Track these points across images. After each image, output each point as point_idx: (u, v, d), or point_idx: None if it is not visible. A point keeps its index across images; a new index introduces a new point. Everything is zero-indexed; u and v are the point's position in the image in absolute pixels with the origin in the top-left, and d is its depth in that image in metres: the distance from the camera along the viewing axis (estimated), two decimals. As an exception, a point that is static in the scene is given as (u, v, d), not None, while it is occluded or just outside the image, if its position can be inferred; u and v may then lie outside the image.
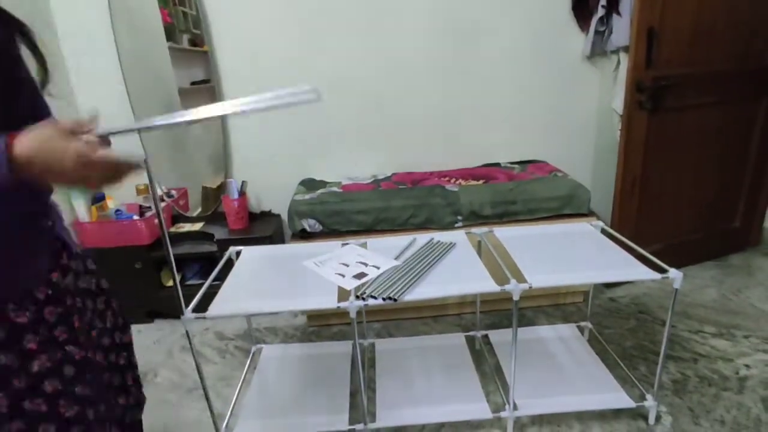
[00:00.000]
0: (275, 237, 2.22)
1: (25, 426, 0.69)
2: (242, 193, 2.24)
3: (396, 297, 1.25)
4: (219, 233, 2.18)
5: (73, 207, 2.07)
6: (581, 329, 1.88)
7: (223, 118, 2.29)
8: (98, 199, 2.12)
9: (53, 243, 0.79)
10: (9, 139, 0.59)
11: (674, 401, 1.54)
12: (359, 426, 1.44)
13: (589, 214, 2.02)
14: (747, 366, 1.69)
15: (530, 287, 1.28)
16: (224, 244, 1.99)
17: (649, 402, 1.44)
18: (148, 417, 1.63)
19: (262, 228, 2.23)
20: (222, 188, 2.33)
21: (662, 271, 1.31)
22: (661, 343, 1.83)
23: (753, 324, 1.92)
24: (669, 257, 1.36)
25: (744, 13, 2.01)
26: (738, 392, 1.57)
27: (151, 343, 2.08)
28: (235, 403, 1.63)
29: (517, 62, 2.30)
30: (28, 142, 0.60)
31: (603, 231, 1.61)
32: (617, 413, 1.50)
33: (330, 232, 1.99)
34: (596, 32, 2.16)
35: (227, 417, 1.56)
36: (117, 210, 2.12)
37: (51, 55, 1.92)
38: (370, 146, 2.40)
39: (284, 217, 2.37)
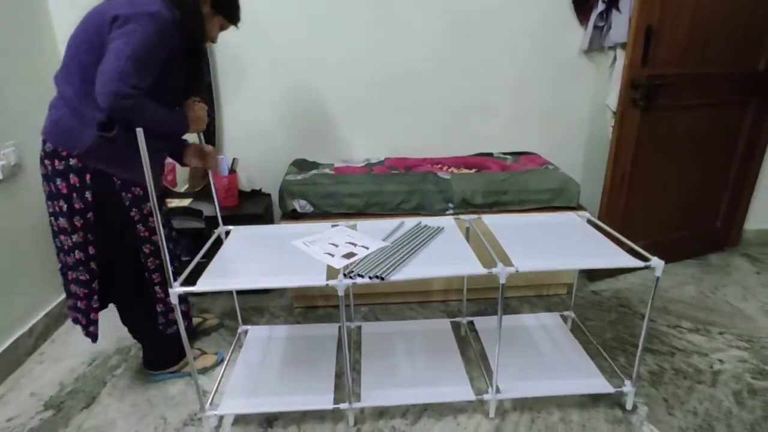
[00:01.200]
0: (265, 216, 2.20)
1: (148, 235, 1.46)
2: (233, 171, 2.22)
3: (383, 276, 1.25)
4: (207, 210, 2.16)
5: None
6: (564, 318, 1.92)
7: (215, 93, 2.25)
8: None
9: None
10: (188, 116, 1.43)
11: (650, 392, 1.59)
12: (344, 405, 1.45)
13: (578, 207, 2.05)
14: (721, 361, 1.74)
15: (517, 271, 1.30)
16: (213, 221, 1.97)
17: (627, 388, 1.49)
18: (132, 391, 1.63)
19: (252, 207, 2.21)
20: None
21: (645, 260, 1.34)
22: (640, 336, 1.88)
23: (728, 321, 1.99)
24: (651, 254, 1.38)
25: (740, 18, 2.04)
26: (711, 385, 1.62)
27: (134, 317, 2.05)
28: (220, 381, 1.63)
29: (515, 54, 2.30)
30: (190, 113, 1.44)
31: (589, 221, 1.64)
32: (595, 401, 1.54)
33: (321, 213, 1.98)
34: (595, 27, 2.17)
35: (212, 394, 1.57)
36: (103, 182, 2.08)
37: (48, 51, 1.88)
38: (364, 130, 2.39)
39: (275, 196, 2.36)
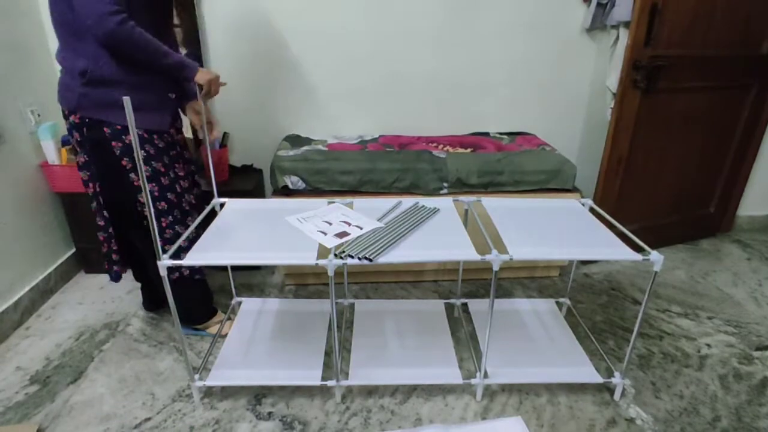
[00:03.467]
0: (256, 192, 2.16)
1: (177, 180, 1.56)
2: (223, 145, 2.16)
3: (372, 257, 1.23)
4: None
5: (41, 148, 1.96)
6: (560, 305, 1.91)
7: (205, 65, 2.18)
8: (67, 142, 2.00)
9: (175, 111, 1.58)
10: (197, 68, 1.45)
11: (638, 375, 1.60)
12: (331, 382, 1.45)
13: (573, 189, 2.02)
14: (708, 345, 1.76)
15: (511, 259, 1.28)
16: (202, 196, 1.92)
17: (617, 379, 1.48)
18: (119, 366, 1.62)
19: (243, 182, 2.17)
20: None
21: (643, 252, 1.32)
22: (630, 319, 1.88)
23: (717, 306, 2.00)
24: (644, 238, 1.37)
25: (743, 0, 1.99)
26: (698, 369, 1.64)
27: (124, 293, 2.03)
28: (209, 354, 1.63)
29: (516, 31, 2.24)
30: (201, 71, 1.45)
31: (591, 209, 1.61)
32: (583, 384, 1.55)
33: (313, 190, 1.94)
34: (598, 4, 2.11)
35: (201, 366, 1.56)
36: (89, 153, 2.02)
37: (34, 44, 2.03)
38: (358, 106, 2.34)
39: (266, 172, 2.32)
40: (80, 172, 1.53)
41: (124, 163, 1.43)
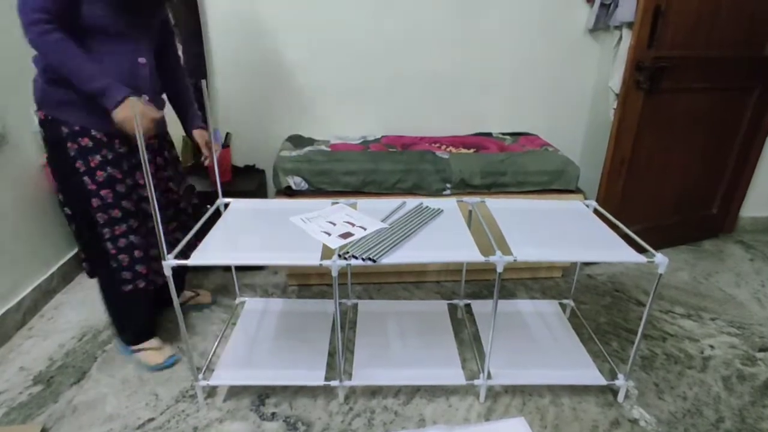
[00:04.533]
0: (258, 192, 2.16)
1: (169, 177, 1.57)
2: (226, 146, 2.16)
3: (375, 258, 1.23)
4: (200, 185, 2.11)
5: (43, 149, 1.95)
6: (563, 306, 1.91)
7: (207, 65, 2.18)
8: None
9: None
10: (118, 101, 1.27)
11: (641, 376, 1.60)
12: (334, 382, 1.45)
13: (576, 190, 2.02)
14: (711, 347, 1.75)
15: (515, 260, 1.28)
16: (205, 196, 1.92)
17: (620, 381, 1.48)
18: (122, 367, 1.62)
19: (245, 183, 2.17)
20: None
21: (647, 253, 1.32)
22: (634, 320, 1.88)
23: (720, 307, 2.00)
24: (646, 239, 1.37)
25: (748, 1, 1.99)
26: (701, 371, 1.63)
27: (125, 292, 2.03)
28: (213, 354, 1.62)
29: (519, 31, 2.24)
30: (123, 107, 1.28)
31: (595, 211, 1.61)
32: (587, 385, 1.55)
33: (316, 191, 1.94)
34: (602, 5, 2.11)
35: (204, 365, 1.56)
36: (92, 154, 2.02)
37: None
38: (361, 106, 2.34)
39: (269, 173, 2.32)
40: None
41: (78, 165, 1.35)
